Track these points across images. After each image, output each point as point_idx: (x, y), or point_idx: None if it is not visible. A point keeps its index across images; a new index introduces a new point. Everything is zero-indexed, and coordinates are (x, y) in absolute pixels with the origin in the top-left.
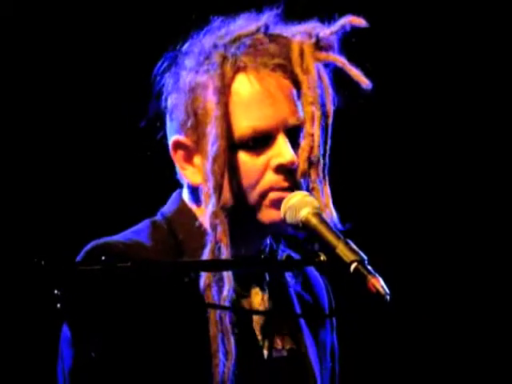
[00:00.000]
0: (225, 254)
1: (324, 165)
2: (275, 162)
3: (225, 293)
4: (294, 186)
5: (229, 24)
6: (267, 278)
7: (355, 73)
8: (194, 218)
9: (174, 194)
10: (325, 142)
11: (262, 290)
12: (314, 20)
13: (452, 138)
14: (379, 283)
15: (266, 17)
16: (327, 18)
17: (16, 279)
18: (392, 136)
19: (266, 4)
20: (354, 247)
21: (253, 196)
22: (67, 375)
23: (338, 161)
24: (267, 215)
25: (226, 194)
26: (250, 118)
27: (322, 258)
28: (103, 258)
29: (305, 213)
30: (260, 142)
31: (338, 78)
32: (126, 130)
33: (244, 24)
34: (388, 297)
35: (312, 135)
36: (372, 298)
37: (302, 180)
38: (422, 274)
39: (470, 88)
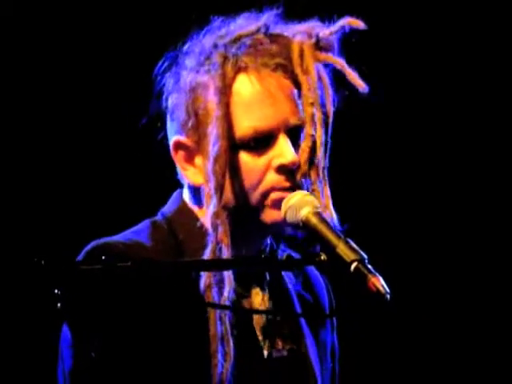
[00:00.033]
0: (226, 254)
1: (324, 166)
2: (277, 162)
3: (225, 293)
4: (295, 186)
5: (229, 24)
6: (267, 278)
7: (352, 76)
8: (195, 218)
9: (175, 194)
10: (325, 143)
11: (263, 290)
12: (314, 20)
13: (451, 138)
14: (379, 282)
15: (266, 16)
16: (327, 17)
17: (16, 279)
18: (392, 136)
19: (266, 4)
20: (355, 246)
21: (254, 196)
22: (67, 375)
23: (337, 161)
24: (269, 215)
25: (228, 194)
26: (251, 119)
27: (322, 258)
28: (103, 257)
29: (305, 212)
30: (261, 142)
31: (338, 78)
32: (126, 130)
33: (244, 24)
34: (388, 296)
35: (312, 136)
36: (372, 298)
37: (302, 180)
38: (423, 273)
39: (470, 89)
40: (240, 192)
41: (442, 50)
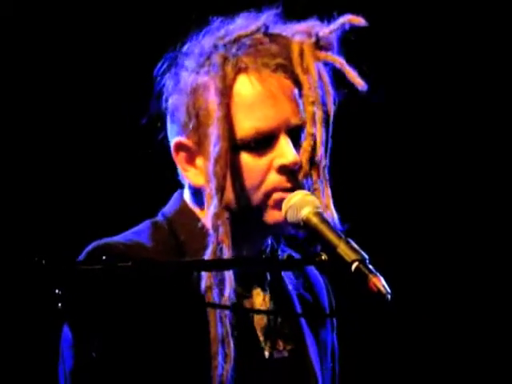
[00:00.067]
0: (226, 254)
1: (325, 165)
2: (278, 162)
3: (226, 294)
4: (296, 187)
5: (228, 24)
6: (268, 279)
7: (352, 74)
8: (196, 218)
9: (175, 195)
10: (325, 142)
11: (264, 290)
12: (314, 19)
13: (452, 138)
14: (380, 282)
15: (266, 16)
16: (327, 16)
17: (17, 279)
18: (393, 135)
19: (265, 3)
20: (355, 246)
21: (256, 197)
22: (68, 376)
23: (338, 161)
24: (271, 216)
25: (229, 195)
26: (252, 119)
27: (323, 258)
28: (104, 258)
29: (306, 212)
30: (262, 142)
31: (339, 76)
32: (126, 130)
33: (243, 24)
34: (389, 296)
35: (313, 135)
36: (373, 298)
37: (304, 180)
38: (423, 274)
39: (470, 88)
40: (241, 193)
41: (441, 49)
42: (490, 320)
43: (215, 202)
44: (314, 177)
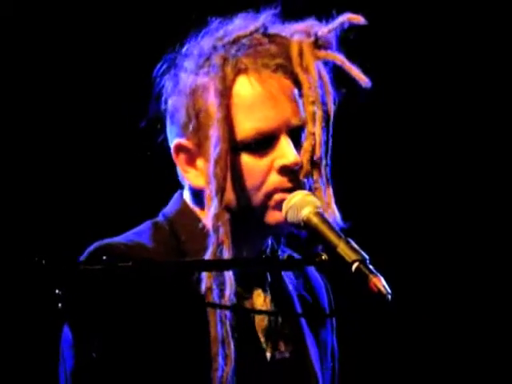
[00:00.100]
0: (227, 255)
1: (326, 164)
2: (279, 163)
3: (226, 295)
4: (297, 187)
5: (227, 25)
6: (269, 279)
7: (354, 71)
8: (197, 219)
9: (176, 195)
10: (326, 142)
11: (264, 291)
12: (312, 18)
13: (453, 138)
14: (381, 283)
15: (264, 16)
16: (325, 15)
17: (17, 279)
18: (394, 134)
19: (264, 3)
20: (356, 246)
21: (257, 197)
22: (69, 376)
23: (339, 160)
24: (271, 216)
25: (229, 195)
26: (252, 120)
27: (323, 258)
28: (104, 258)
29: (306, 212)
30: (263, 143)
31: (339, 76)
32: (126, 131)
33: (242, 24)
34: (389, 296)
35: (314, 134)
36: (373, 298)
37: (305, 180)
38: (424, 274)
39: (470, 87)
40: (242, 193)
41: (441, 48)
42: (490, 320)
43: (215, 203)
44: (315, 176)
